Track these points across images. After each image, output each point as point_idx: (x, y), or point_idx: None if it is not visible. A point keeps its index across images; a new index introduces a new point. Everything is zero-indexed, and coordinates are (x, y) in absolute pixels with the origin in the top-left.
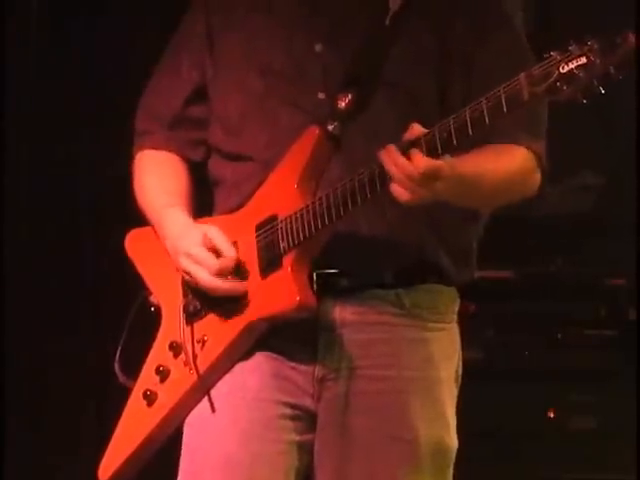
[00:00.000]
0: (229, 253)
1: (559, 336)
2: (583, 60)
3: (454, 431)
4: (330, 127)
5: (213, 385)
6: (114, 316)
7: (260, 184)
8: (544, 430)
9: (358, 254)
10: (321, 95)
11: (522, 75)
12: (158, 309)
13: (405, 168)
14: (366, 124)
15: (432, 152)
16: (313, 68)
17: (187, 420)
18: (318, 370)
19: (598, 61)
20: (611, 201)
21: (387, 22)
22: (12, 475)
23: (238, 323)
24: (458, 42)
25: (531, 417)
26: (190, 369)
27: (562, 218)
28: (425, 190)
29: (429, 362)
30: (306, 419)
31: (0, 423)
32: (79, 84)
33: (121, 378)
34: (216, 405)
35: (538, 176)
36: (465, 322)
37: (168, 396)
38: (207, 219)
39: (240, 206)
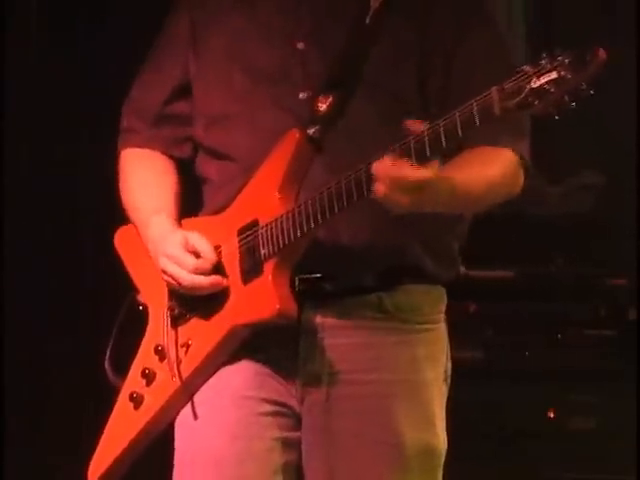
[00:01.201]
0: (208, 255)
1: (559, 336)
2: (554, 75)
3: (443, 432)
4: (311, 131)
5: (198, 389)
6: (114, 316)
7: (242, 187)
8: (544, 430)
9: (339, 258)
10: (302, 95)
11: (494, 89)
12: (146, 308)
13: (396, 178)
14: (348, 126)
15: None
16: (295, 67)
17: (177, 421)
18: (300, 374)
19: (569, 76)
20: (611, 201)
21: (368, 20)
22: (12, 475)
23: (221, 328)
24: (439, 38)
25: (531, 417)
26: (173, 376)
27: (562, 218)
28: (414, 199)
29: (414, 364)
30: (292, 416)
31: (0, 423)
32: (79, 84)
33: (111, 377)
34: (202, 407)
35: (522, 176)
36: (465, 322)
37: (154, 400)
38: (192, 220)
39: (224, 208)
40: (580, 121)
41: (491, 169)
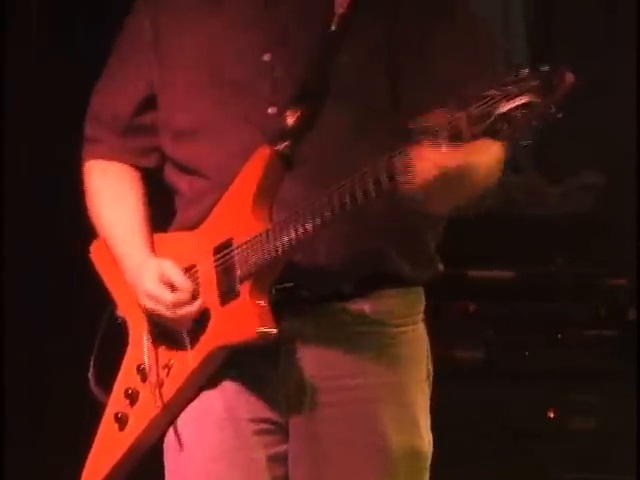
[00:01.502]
0: (184, 285)
1: (559, 336)
2: (522, 100)
3: (428, 433)
4: (280, 147)
5: (182, 410)
6: (114, 316)
7: (213, 204)
8: (544, 430)
9: (316, 267)
10: (271, 110)
11: (462, 114)
12: (125, 322)
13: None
14: (321, 139)
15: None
16: (262, 80)
17: (165, 444)
18: (283, 384)
19: (537, 101)
20: (611, 201)
21: (333, 27)
22: (12, 475)
23: (201, 350)
24: (406, 38)
25: (531, 417)
26: (155, 401)
27: (562, 218)
28: (450, 188)
29: (396, 366)
30: (277, 431)
31: (0, 423)
32: (79, 84)
33: (96, 392)
34: (186, 430)
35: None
36: (465, 322)
37: (138, 421)
38: (165, 235)
39: (197, 224)
40: (580, 121)
41: (490, 154)
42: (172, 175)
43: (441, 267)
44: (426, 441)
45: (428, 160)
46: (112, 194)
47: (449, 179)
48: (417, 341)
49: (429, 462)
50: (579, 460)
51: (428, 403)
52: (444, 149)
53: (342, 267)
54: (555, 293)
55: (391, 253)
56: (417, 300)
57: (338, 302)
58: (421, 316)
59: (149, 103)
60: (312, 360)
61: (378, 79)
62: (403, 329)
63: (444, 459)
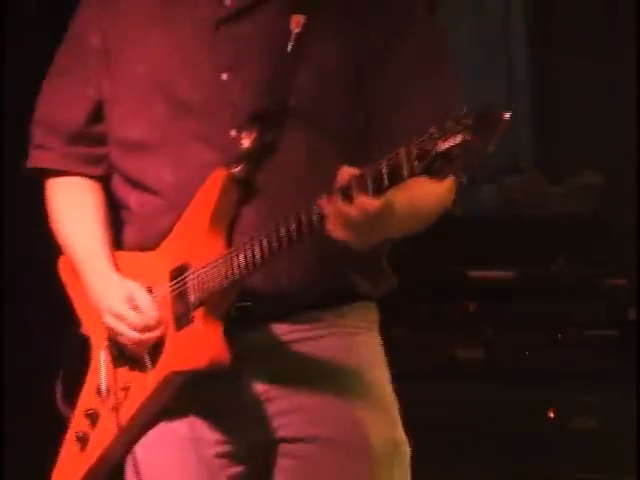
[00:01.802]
0: (152, 312)
1: (559, 336)
2: (459, 139)
3: (402, 432)
4: (236, 170)
5: (141, 431)
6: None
7: (170, 226)
8: (544, 430)
9: (276, 289)
10: (233, 132)
11: (402, 150)
12: (89, 340)
13: (349, 214)
14: (278, 163)
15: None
16: (221, 101)
17: (126, 465)
18: (246, 394)
19: (475, 139)
20: (611, 201)
21: (289, 48)
22: (12, 475)
23: (157, 374)
24: (363, 58)
25: (531, 417)
26: (113, 423)
27: (562, 218)
28: (372, 231)
29: (361, 367)
30: (240, 452)
31: (0, 423)
32: None
33: (62, 408)
34: (148, 453)
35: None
36: (465, 322)
37: (98, 442)
38: (124, 254)
39: (149, 244)
40: (580, 121)
41: (430, 187)
42: (120, 188)
43: (395, 282)
44: (404, 438)
45: (337, 213)
46: (75, 211)
47: (359, 228)
48: (376, 345)
49: (409, 458)
50: (579, 460)
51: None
52: (358, 200)
53: (302, 289)
54: (555, 293)
55: (349, 272)
56: (372, 312)
57: (296, 315)
58: (377, 326)
59: (99, 111)
60: (275, 374)
61: (336, 103)
62: (361, 335)
63: (444, 459)
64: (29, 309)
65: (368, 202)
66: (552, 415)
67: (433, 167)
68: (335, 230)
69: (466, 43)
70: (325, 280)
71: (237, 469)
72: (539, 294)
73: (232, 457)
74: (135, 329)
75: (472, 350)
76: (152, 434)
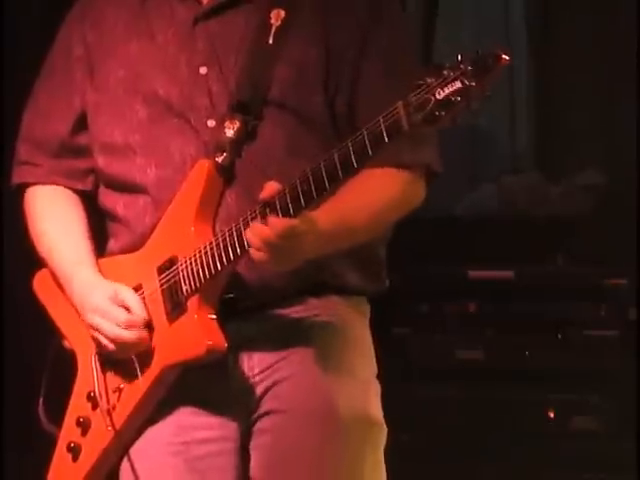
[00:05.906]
0: (139, 310)
1: (559, 336)
2: (458, 85)
3: (380, 413)
4: (219, 159)
5: (135, 434)
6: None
7: (155, 223)
8: (544, 430)
9: (261, 279)
10: (211, 123)
11: (400, 104)
12: (73, 354)
13: (262, 234)
14: (257, 152)
15: (285, 212)
16: (200, 93)
17: (120, 471)
18: (233, 383)
19: (473, 84)
20: (612, 201)
21: (270, 40)
22: (12, 475)
23: (151, 372)
24: (342, 52)
25: (531, 417)
26: (107, 426)
27: (563, 218)
28: (290, 252)
29: (345, 345)
30: (231, 449)
31: (0, 423)
32: None
33: (46, 426)
34: (139, 457)
35: (421, 187)
36: (465, 322)
37: (91, 450)
38: (108, 260)
39: (136, 246)
40: (581, 121)
41: (382, 192)
42: (106, 196)
43: (388, 283)
44: (379, 416)
45: (255, 235)
46: (56, 224)
47: (278, 249)
48: (362, 335)
49: (383, 440)
50: (579, 460)
51: (379, 396)
52: (271, 222)
53: (288, 279)
54: (555, 293)
55: (339, 265)
56: (361, 305)
57: (281, 307)
58: (367, 321)
59: (83, 121)
60: (262, 364)
61: (314, 94)
62: (347, 318)
63: (444, 459)
64: (29, 309)
65: (279, 222)
66: (552, 415)
67: (432, 115)
68: (254, 253)
69: (466, 43)
70: (310, 269)
71: (225, 461)
72: (539, 294)
73: (221, 452)
74: (119, 325)
75: (472, 350)
76: (143, 440)
